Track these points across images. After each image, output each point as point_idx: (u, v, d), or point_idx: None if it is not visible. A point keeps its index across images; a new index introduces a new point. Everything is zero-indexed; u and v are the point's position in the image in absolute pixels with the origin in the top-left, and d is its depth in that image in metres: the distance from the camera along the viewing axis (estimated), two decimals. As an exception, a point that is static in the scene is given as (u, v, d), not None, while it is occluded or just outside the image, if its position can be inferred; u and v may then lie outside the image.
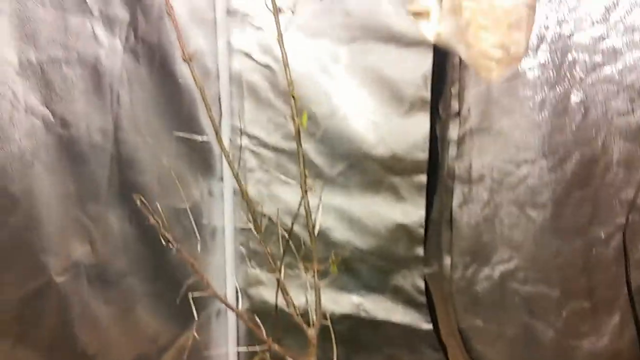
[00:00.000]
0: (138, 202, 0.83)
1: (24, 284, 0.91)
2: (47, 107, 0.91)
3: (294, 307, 0.98)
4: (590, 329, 1.28)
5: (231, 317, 1.46)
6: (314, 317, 1.00)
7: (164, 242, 0.88)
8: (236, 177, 0.98)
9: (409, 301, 1.41)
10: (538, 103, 1.24)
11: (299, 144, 0.95)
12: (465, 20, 0.75)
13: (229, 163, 0.98)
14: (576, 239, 1.27)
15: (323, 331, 1.06)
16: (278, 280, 0.98)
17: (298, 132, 0.94)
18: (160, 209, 0.94)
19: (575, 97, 1.22)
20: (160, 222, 0.86)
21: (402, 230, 1.37)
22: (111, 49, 1.02)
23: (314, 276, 0.99)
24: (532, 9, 0.76)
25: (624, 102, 1.19)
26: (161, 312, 1.22)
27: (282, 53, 0.94)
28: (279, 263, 1.00)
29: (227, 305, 0.92)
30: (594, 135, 1.22)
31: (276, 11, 0.93)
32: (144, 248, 1.15)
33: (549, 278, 1.30)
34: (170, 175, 1.08)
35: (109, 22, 1.01)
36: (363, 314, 1.44)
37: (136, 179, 1.13)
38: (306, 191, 0.97)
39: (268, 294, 1.49)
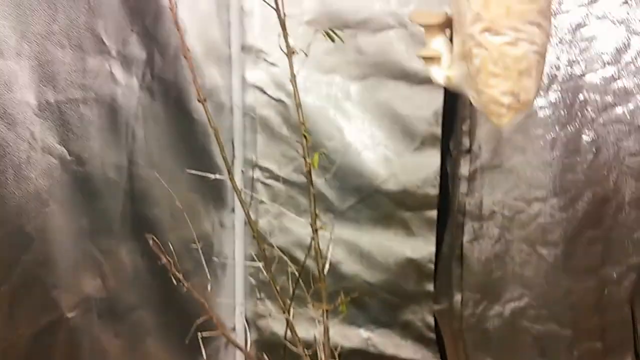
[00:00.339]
0: (150, 242, 0.84)
1: (36, 320, 0.91)
2: (64, 146, 0.93)
3: (303, 347, 0.98)
4: (603, 370, 1.27)
5: (239, 348, 1.46)
6: (323, 356, 1.00)
7: (175, 282, 0.88)
8: (247, 215, 0.98)
9: (418, 337, 1.40)
10: (549, 142, 1.24)
11: (311, 183, 0.96)
12: (476, 67, 0.76)
13: (241, 201, 0.99)
14: (588, 279, 1.25)
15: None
16: (287, 320, 0.98)
17: (309, 172, 0.95)
18: (171, 245, 0.95)
19: (586, 137, 1.22)
20: (171, 261, 0.86)
21: (412, 266, 1.37)
22: (128, 87, 1.04)
23: (322, 315, 0.98)
24: (542, 56, 0.77)
25: (635, 142, 1.19)
26: (171, 345, 1.23)
27: (295, 94, 0.95)
28: (288, 302, 0.99)
29: (236, 345, 0.91)
30: (606, 175, 1.21)
31: (290, 53, 0.94)
32: (154, 281, 1.16)
33: (561, 317, 1.28)
34: (182, 209, 1.08)
35: (126, 62, 1.03)
36: (372, 349, 1.43)
37: (149, 213, 1.15)
38: (316, 230, 0.98)
39: (277, 326, 1.49)
